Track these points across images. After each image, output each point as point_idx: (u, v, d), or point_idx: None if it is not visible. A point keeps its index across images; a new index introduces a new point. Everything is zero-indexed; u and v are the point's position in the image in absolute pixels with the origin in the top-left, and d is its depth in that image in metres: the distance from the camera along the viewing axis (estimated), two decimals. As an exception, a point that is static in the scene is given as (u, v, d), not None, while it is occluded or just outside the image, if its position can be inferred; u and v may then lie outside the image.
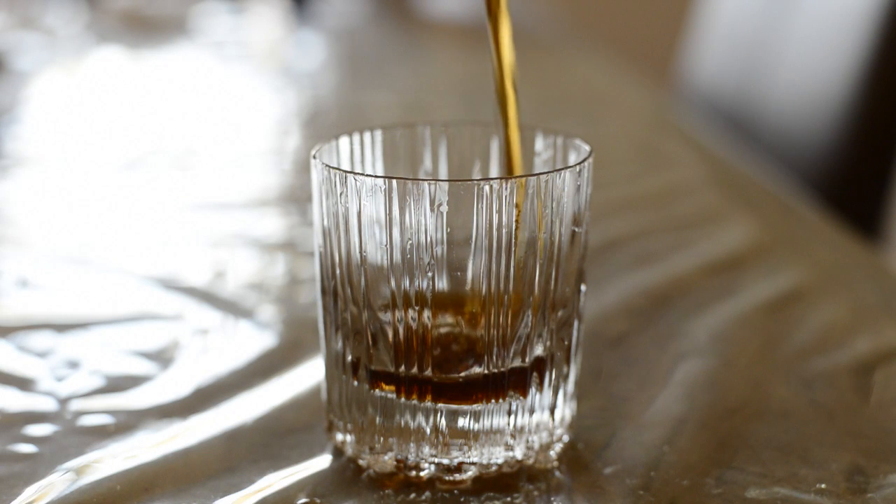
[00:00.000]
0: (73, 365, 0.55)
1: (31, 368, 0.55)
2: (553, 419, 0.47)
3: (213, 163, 0.94)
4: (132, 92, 1.23)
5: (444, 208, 0.43)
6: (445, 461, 0.45)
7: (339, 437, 0.47)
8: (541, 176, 0.44)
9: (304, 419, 0.51)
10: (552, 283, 0.45)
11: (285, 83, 1.29)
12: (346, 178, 0.44)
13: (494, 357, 0.44)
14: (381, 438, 0.46)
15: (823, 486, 0.45)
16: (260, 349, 0.58)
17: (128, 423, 0.50)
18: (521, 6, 1.79)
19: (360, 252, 0.45)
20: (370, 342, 0.45)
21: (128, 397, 0.52)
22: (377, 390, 0.46)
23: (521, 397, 0.46)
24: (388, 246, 0.44)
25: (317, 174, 0.46)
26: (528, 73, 1.34)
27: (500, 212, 0.43)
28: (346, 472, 0.46)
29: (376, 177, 0.44)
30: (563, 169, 0.45)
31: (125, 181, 0.89)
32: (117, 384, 0.54)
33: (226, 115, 1.13)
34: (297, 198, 0.82)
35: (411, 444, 0.45)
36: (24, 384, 0.53)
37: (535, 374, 0.46)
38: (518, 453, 0.46)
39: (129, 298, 0.64)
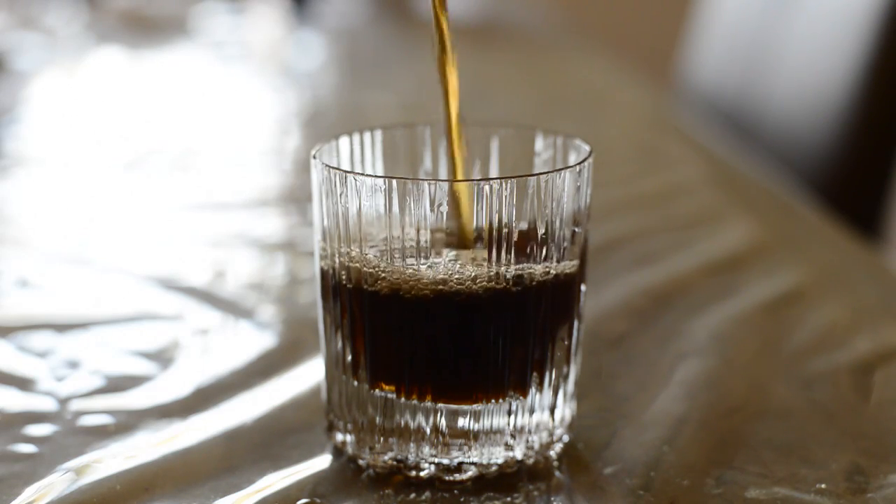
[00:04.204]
0: (73, 365, 0.55)
1: (31, 368, 0.55)
2: (553, 419, 0.47)
3: (213, 163, 0.94)
4: (132, 92, 1.23)
5: (444, 208, 0.43)
6: (445, 461, 0.45)
7: (339, 437, 0.47)
8: (541, 176, 0.44)
9: (304, 419, 0.51)
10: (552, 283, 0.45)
11: (285, 83, 1.29)
12: (346, 178, 0.44)
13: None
14: (381, 438, 0.46)
15: (823, 486, 0.45)
16: (260, 349, 0.58)
17: (128, 423, 0.50)
18: (521, 6, 1.79)
19: (361, 252, 0.45)
20: (370, 342, 0.45)
21: (128, 397, 0.52)
22: (377, 390, 0.46)
23: (521, 397, 0.46)
24: (388, 246, 0.44)
25: (317, 174, 0.46)
26: (529, 73, 1.34)
27: (499, 212, 0.43)
28: (346, 472, 0.46)
29: (376, 177, 0.45)
30: (563, 169, 0.45)
31: (125, 181, 0.89)
32: (117, 384, 0.54)
33: (226, 115, 1.13)
34: (297, 198, 0.82)
35: (411, 444, 0.45)
36: (24, 384, 0.53)
37: (535, 374, 0.46)
38: (518, 453, 0.46)
39: (129, 298, 0.64)
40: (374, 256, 0.44)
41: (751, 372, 0.56)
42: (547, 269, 0.45)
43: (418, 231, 0.44)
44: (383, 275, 0.44)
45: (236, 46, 1.48)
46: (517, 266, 0.44)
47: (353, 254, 0.45)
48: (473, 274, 0.44)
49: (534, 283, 0.44)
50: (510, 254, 0.44)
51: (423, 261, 0.44)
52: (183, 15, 1.62)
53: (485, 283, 0.44)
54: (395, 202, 0.43)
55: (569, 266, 0.46)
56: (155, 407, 0.52)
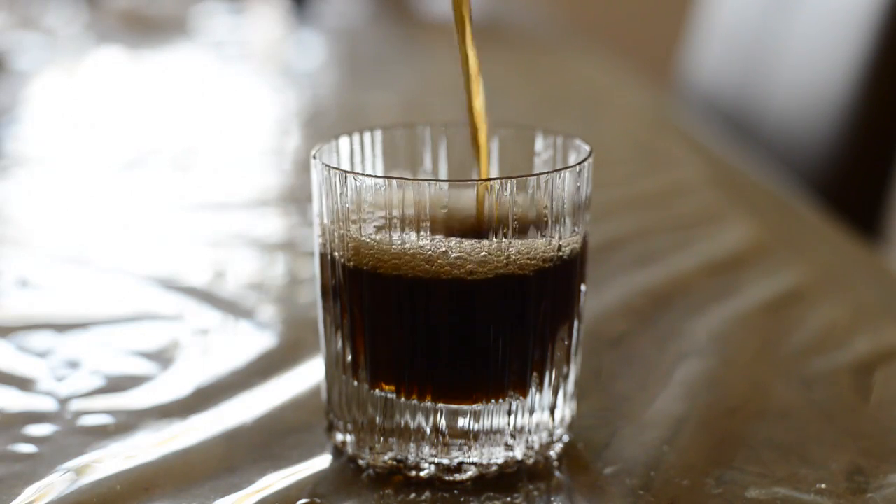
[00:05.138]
0: (73, 365, 0.55)
1: (31, 368, 0.55)
2: (553, 419, 0.47)
3: (213, 163, 0.94)
4: (132, 92, 1.23)
5: (445, 209, 0.43)
6: (445, 461, 0.45)
7: (339, 437, 0.47)
8: (541, 176, 0.44)
9: (304, 419, 0.51)
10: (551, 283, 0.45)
11: (285, 83, 1.29)
12: (346, 178, 0.44)
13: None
14: (381, 438, 0.46)
15: (823, 486, 0.45)
16: (260, 349, 0.58)
17: (128, 423, 0.50)
18: (521, 6, 1.79)
19: (359, 230, 0.44)
20: (370, 340, 0.45)
21: (128, 397, 0.52)
22: (377, 390, 0.46)
23: (521, 397, 0.46)
24: (387, 223, 0.44)
25: (317, 174, 0.46)
26: (529, 73, 1.34)
27: (500, 211, 0.43)
28: (346, 472, 0.46)
29: (376, 177, 0.45)
30: (563, 169, 0.45)
31: (125, 181, 0.89)
32: (117, 384, 0.54)
33: (226, 115, 1.13)
34: (297, 198, 0.82)
35: (411, 444, 0.45)
36: (24, 384, 0.53)
37: (535, 374, 0.46)
38: (518, 453, 0.46)
39: (129, 298, 0.64)
40: (374, 234, 0.44)
41: (751, 372, 0.56)
42: (548, 251, 0.44)
43: (417, 209, 0.43)
44: (382, 252, 0.44)
45: (236, 46, 1.48)
46: (518, 241, 0.44)
47: (352, 231, 0.44)
48: (472, 248, 0.43)
49: (535, 259, 0.44)
50: (511, 234, 0.43)
51: (422, 237, 0.44)
52: (183, 15, 1.62)
53: (485, 254, 0.43)
54: (396, 202, 0.43)
55: (570, 258, 0.46)
56: (155, 407, 0.52)
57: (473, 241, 0.44)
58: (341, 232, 0.45)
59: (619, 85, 1.33)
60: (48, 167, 0.93)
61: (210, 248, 0.72)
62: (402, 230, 0.44)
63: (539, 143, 0.50)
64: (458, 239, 0.44)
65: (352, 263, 0.45)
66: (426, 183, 0.43)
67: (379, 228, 0.44)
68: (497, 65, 1.35)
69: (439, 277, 0.43)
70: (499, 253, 0.43)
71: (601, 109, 1.19)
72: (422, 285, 0.44)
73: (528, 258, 0.44)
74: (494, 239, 0.43)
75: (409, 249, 0.43)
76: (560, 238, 0.45)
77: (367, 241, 0.44)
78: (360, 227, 0.44)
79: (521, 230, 0.44)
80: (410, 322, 0.44)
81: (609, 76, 1.37)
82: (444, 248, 0.43)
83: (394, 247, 0.44)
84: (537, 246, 0.44)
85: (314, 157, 0.46)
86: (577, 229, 0.46)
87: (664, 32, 2.13)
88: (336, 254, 0.45)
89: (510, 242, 0.44)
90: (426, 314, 0.44)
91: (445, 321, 0.44)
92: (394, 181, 0.43)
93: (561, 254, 0.45)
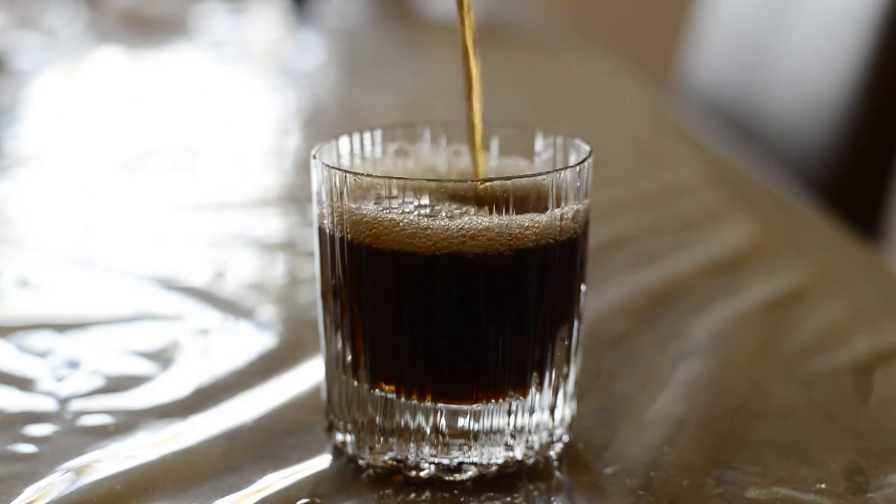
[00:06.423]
0: (73, 365, 0.55)
1: (31, 368, 0.55)
2: (553, 419, 0.47)
3: (213, 163, 0.94)
4: (132, 92, 1.23)
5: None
6: (445, 461, 0.45)
7: (339, 437, 0.47)
8: (541, 176, 0.44)
9: (304, 419, 0.51)
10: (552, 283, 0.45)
11: (285, 83, 1.29)
12: (346, 178, 0.44)
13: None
14: (381, 438, 0.46)
15: (823, 486, 0.45)
16: (260, 349, 0.58)
17: (128, 423, 0.50)
18: (521, 6, 1.79)
19: (359, 206, 0.44)
20: (371, 342, 0.45)
21: (128, 397, 0.52)
22: (377, 390, 0.46)
23: (521, 397, 0.46)
24: (386, 213, 0.44)
25: (317, 174, 0.46)
26: (529, 73, 1.34)
27: (499, 212, 0.43)
28: (346, 472, 0.46)
29: (376, 177, 0.45)
30: (563, 169, 0.45)
31: (125, 181, 0.89)
32: (117, 384, 0.54)
33: (226, 115, 1.13)
34: (297, 198, 0.82)
35: (411, 444, 0.45)
36: (24, 384, 0.53)
37: (535, 374, 0.46)
38: (518, 453, 0.46)
39: (129, 298, 0.64)
40: (372, 207, 0.44)
41: (751, 372, 0.56)
42: (550, 226, 0.44)
43: (417, 190, 0.43)
44: (380, 220, 0.44)
45: (236, 46, 1.48)
46: (519, 217, 0.44)
47: (352, 207, 0.44)
48: (472, 221, 0.43)
49: (536, 235, 0.44)
50: (512, 211, 0.43)
51: (421, 209, 0.43)
52: (183, 15, 1.62)
53: (485, 228, 0.43)
54: (396, 202, 0.43)
55: (570, 237, 0.45)
56: (155, 407, 0.52)
57: (473, 211, 0.43)
58: (340, 207, 0.45)
59: (619, 85, 1.33)
60: (48, 167, 0.93)
61: (210, 248, 0.72)
62: (402, 202, 0.43)
63: (539, 143, 0.50)
64: (458, 207, 0.44)
65: (350, 236, 0.44)
66: (425, 182, 0.43)
67: (378, 203, 0.44)
68: (497, 65, 1.35)
69: (438, 252, 0.43)
70: (499, 226, 0.43)
71: (601, 109, 1.19)
72: (420, 261, 0.43)
73: (527, 237, 0.44)
74: (495, 213, 0.43)
75: (408, 220, 0.43)
76: (561, 211, 0.44)
77: (366, 213, 0.44)
78: (360, 204, 0.44)
79: (522, 210, 0.44)
80: (410, 305, 0.44)
81: (609, 76, 1.37)
82: (443, 221, 0.43)
83: (391, 216, 0.43)
84: (539, 220, 0.44)
85: (314, 157, 0.46)
86: (577, 207, 0.46)
87: (664, 32, 2.13)
88: (335, 231, 0.45)
89: (511, 217, 0.43)
90: (426, 294, 0.44)
91: (445, 302, 0.44)
92: (393, 180, 0.44)
93: (562, 222, 0.44)
